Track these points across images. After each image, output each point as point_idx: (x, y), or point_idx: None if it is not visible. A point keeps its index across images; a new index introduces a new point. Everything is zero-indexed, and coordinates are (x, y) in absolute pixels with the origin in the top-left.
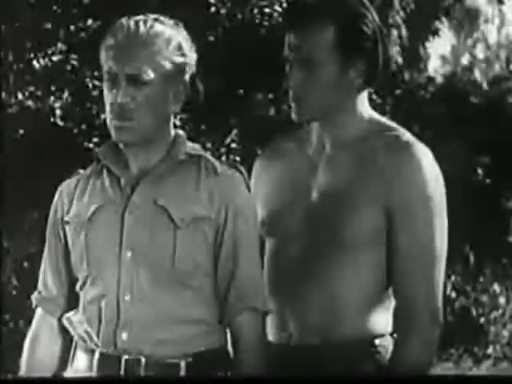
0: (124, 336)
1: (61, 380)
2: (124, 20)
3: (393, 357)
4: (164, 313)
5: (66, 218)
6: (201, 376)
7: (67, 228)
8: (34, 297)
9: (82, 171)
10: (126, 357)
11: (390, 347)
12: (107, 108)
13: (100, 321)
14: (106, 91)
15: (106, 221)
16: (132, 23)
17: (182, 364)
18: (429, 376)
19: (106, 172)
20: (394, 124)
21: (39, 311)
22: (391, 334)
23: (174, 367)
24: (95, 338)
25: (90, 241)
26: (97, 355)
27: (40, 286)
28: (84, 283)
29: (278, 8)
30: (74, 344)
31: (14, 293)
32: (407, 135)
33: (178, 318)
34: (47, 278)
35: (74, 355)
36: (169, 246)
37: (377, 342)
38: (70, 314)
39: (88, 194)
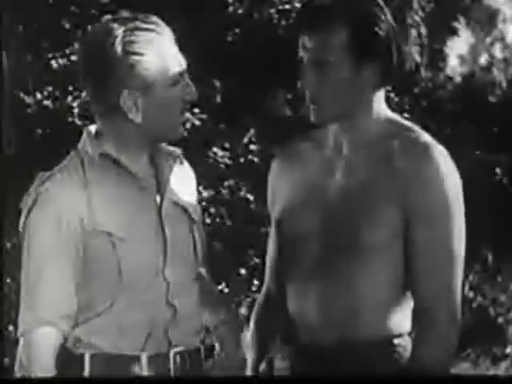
0: (173, 334)
1: (61, 380)
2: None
3: (411, 357)
4: (194, 306)
5: (91, 229)
6: (202, 375)
7: (92, 240)
8: (46, 316)
9: (62, 169)
10: (174, 350)
11: (409, 347)
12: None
13: (152, 325)
14: None
15: (145, 228)
16: None
17: (217, 347)
18: (448, 376)
19: (120, 171)
20: (411, 124)
21: (45, 330)
22: (410, 334)
23: (211, 351)
24: (140, 342)
25: (129, 250)
26: (144, 358)
27: (53, 304)
28: (120, 291)
29: (297, 5)
30: (87, 356)
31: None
32: (425, 136)
33: (201, 309)
34: (67, 295)
35: (91, 364)
36: (191, 243)
37: (395, 341)
38: (98, 321)
39: (109, 200)
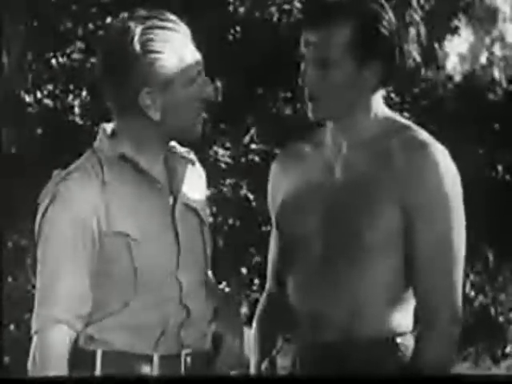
0: (185, 335)
1: (61, 380)
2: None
3: (413, 355)
4: (204, 308)
5: (107, 229)
6: (202, 375)
7: (107, 239)
8: (60, 315)
9: (78, 167)
10: (185, 351)
11: (411, 346)
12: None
13: (166, 325)
14: None
15: (159, 229)
16: None
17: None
18: (448, 375)
19: (136, 172)
20: (410, 123)
21: (60, 329)
22: (412, 333)
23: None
24: (153, 341)
25: (144, 250)
26: (156, 358)
27: (68, 303)
28: (134, 291)
29: (297, 4)
30: (99, 353)
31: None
32: (423, 134)
33: (208, 312)
34: (82, 294)
35: (102, 361)
36: (202, 245)
37: (398, 340)
38: (112, 319)
39: (126, 201)
